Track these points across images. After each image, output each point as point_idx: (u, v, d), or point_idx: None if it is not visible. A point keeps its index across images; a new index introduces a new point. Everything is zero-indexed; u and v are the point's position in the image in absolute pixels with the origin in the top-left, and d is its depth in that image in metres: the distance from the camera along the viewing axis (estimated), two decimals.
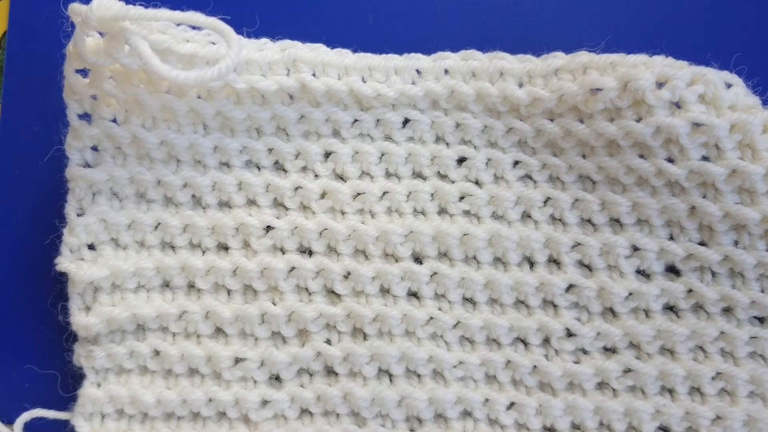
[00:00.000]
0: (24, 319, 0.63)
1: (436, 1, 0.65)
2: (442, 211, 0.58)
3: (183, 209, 0.58)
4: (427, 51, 0.58)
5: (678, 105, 0.52)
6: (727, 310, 0.55)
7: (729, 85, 0.52)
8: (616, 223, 0.56)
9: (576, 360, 0.57)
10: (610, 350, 0.57)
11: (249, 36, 0.58)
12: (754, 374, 0.54)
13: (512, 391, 0.57)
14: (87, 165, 0.57)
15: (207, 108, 0.55)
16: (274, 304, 0.58)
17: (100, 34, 0.52)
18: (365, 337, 0.57)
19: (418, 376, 0.57)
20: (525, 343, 0.57)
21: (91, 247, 0.58)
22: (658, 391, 0.55)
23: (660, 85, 0.51)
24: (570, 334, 0.57)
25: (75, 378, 0.60)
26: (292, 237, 0.58)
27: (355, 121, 0.58)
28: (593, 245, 0.56)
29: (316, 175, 0.58)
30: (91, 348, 0.58)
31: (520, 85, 0.56)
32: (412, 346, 0.57)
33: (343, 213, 0.58)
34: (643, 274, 0.56)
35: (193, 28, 0.53)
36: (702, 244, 0.55)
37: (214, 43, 0.54)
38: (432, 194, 0.57)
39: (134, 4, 0.50)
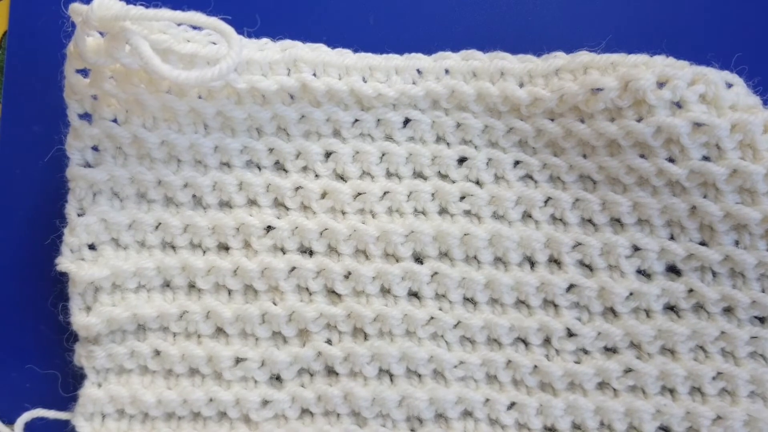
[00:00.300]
0: (24, 319, 0.63)
1: (437, 1, 0.65)
2: (442, 211, 0.58)
3: (183, 209, 0.58)
4: (428, 51, 0.58)
5: (679, 105, 0.52)
6: (728, 310, 0.55)
7: (730, 85, 0.52)
8: (616, 223, 0.56)
9: (577, 360, 0.57)
10: (610, 350, 0.57)
11: (250, 36, 0.58)
12: (754, 374, 0.54)
13: (513, 391, 0.57)
14: (87, 165, 0.57)
15: (208, 108, 0.55)
16: (274, 304, 0.58)
17: (101, 34, 0.51)
18: (366, 337, 0.57)
19: (419, 376, 0.57)
20: (526, 343, 0.57)
21: (91, 247, 0.58)
22: (658, 391, 0.55)
23: (661, 84, 0.51)
24: (571, 334, 0.57)
25: (75, 378, 0.60)
26: (292, 237, 0.58)
27: (356, 121, 0.58)
28: (594, 245, 0.56)
29: (316, 175, 0.58)
30: (91, 348, 0.58)
31: (521, 85, 0.56)
32: (412, 346, 0.57)
33: (343, 213, 0.58)
34: (643, 274, 0.56)
35: (194, 28, 0.53)
36: (703, 244, 0.55)
37: (214, 43, 0.54)
38: (433, 194, 0.57)
39: (135, 4, 0.49)
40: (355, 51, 0.57)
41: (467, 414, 0.57)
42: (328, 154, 0.58)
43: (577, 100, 0.54)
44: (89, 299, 0.57)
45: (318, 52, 0.56)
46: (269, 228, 0.58)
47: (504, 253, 0.57)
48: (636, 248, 0.56)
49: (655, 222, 0.55)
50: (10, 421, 0.60)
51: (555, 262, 0.57)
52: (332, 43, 0.58)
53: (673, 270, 0.56)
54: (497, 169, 0.57)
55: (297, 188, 0.58)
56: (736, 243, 0.54)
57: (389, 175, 0.58)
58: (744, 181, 0.52)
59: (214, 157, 0.57)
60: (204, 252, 0.59)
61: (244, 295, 0.58)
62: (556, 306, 0.57)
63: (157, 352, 0.58)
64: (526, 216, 0.57)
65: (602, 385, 0.57)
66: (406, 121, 0.58)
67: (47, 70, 0.61)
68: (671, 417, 0.55)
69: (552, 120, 0.56)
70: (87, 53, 0.51)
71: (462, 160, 0.58)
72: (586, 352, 0.57)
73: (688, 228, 0.55)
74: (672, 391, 0.56)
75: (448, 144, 0.58)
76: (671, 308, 0.56)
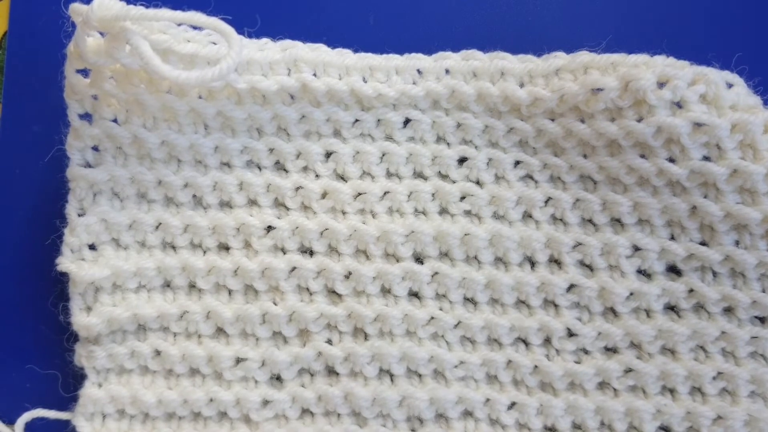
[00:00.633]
0: (25, 319, 0.63)
1: (437, 1, 0.65)
2: (443, 211, 0.58)
3: (184, 209, 0.58)
4: (428, 51, 0.58)
5: (679, 105, 0.52)
6: (728, 310, 0.55)
7: (730, 85, 0.52)
8: (617, 223, 0.56)
9: (577, 360, 0.57)
10: (611, 350, 0.57)
11: (250, 36, 0.58)
12: (755, 374, 0.54)
13: (513, 391, 0.57)
14: (88, 165, 0.57)
15: (208, 108, 0.55)
16: (275, 304, 0.58)
17: (101, 34, 0.51)
18: (366, 337, 0.57)
19: (419, 376, 0.57)
20: (526, 343, 0.57)
21: (92, 247, 0.58)
22: (659, 390, 0.55)
23: (661, 84, 0.51)
24: (571, 334, 0.57)
25: (76, 378, 0.60)
26: (293, 237, 0.58)
27: (356, 121, 0.58)
28: (594, 245, 0.56)
29: (317, 175, 0.58)
30: (92, 348, 0.58)
31: (521, 85, 0.56)
32: (413, 346, 0.57)
33: (344, 213, 0.58)
34: (644, 274, 0.56)
35: (194, 28, 0.53)
36: (703, 244, 0.55)
37: (215, 43, 0.53)
38: (433, 194, 0.57)
39: (135, 4, 0.49)
40: (355, 51, 0.57)
41: (467, 414, 0.57)
42: (328, 154, 0.58)
43: (578, 100, 0.54)
44: (89, 299, 0.57)
45: (318, 52, 0.56)
46: (269, 228, 0.58)
47: (504, 253, 0.57)
48: (636, 248, 0.56)
49: (655, 222, 0.55)
50: (10, 421, 0.60)
51: (555, 262, 0.57)
52: (332, 43, 0.58)
53: (673, 270, 0.56)
54: (497, 169, 0.57)
55: (297, 188, 0.58)
56: (737, 243, 0.54)
57: (389, 175, 0.58)
58: (744, 181, 0.52)
59: (214, 157, 0.57)
60: (204, 252, 0.59)
61: (244, 295, 0.58)
62: (556, 306, 0.57)
63: (158, 352, 0.58)
64: (527, 216, 0.57)
65: (602, 385, 0.57)
66: (407, 121, 0.58)
67: (47, 70, 0.61)
68: (671, 417, 0.55)
69: (552, 120, 0.56)
70: (87, 53, 0.51)
71: (462, 160, 0.58)
72: (586, 352, 0.57)
73: (688, 228, 0.55)
74: (672, 391, 0.56)
75: (448, 144, 0.58)
76: (672, 308, 0.56)
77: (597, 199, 0.56)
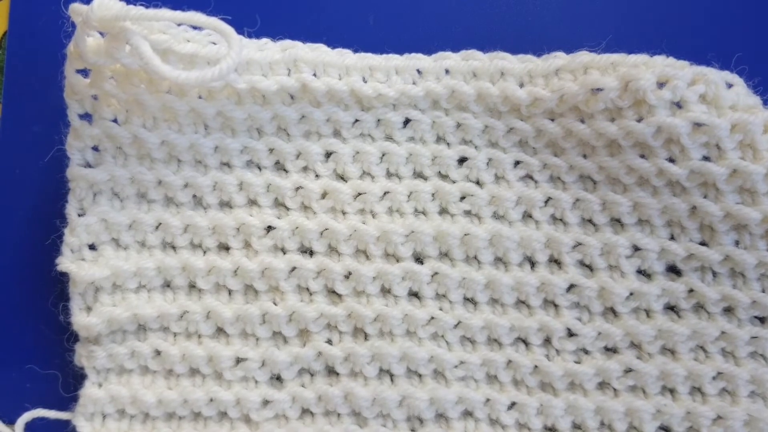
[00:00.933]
0: (25, 319, 0.63)
1: (437, 1, 0.65)
2: (443, 211, 0.58)
3: (184, 209, 0.58)
4: (428, 51, 0.58)
5: (679, 105, 0.52)
6: (728, 310, 0.55)
7: (730, 85, 0.52)
8: (617, 223, 0.56)
9: (577, 360, 0.57)
10: (611, 350, 0.57)
11: (250, 36, 0.58)
12: (755, 374, 0.54)
13: (513, 391, 0.57)
14: (88, 165, 0.57)
15: (208, 108, 0.55)
16: (275, 304, 0.58)
17: (101, 34, 0.51)
18: (366, 337, 0.57)
19: (419, 376, 0.57)
20: (526, 343, 0.57)
21: (92, 247, 0.58)
22: (659, 390, 0.56)
23: (661, 85, 0.51)
24: (571, 334, 0.57)
25: (76, 378, 0.60)
26: (293, 237, 0.58)
27: (356, 121, 0.58)
28: (594, 245, 0.56)
29: (316, 175, 0.58)
30: (92, 348, 0.58)
31: (521, 85, 0.56)
32: (413, 346, 0.57)
33: (344, 213, 0.58)
34: (644, 274, 0.56)
35: (194, 28, 0.53)
36: (703, 244, 0.55)
37: (214, 43, 0.54)
38: (433, 194, 0.57)
39: (135, 4, 0.49)
40: (355, 51, 0.57)
41: (468, 414, 0.57)
42: (328, 154, 0.58)
43: (577, 100, 0.54)
44: (89, 299, 0.57)
45: (318, 52, 0.56)
46: (269, 228, 0.58)
47: (504, 253, 0.57)
48: (636, 248, 0.56)
49: (655, 222, 0.55)
50: (10, 421, 0.60)
51: (555, 262, 0.57)
52: (332, 43, 0.58)
53: (673, 270, 0.56)
54: (497, 169, 0.57)
55: (297, 188, 0.58)
56: (737, 243, 0.54)
57: (389, 175, 0.58)
58: (744, 181, 0.52)
59: (214, 157, 0.57)
60: (204, 252, 0.59)
61: (244, 295, 0.58)
62: (556, 306, 0.57)
63: (158, 352, 0.58)
64: (527, 216, 0.57)
65: (602, 385, 0.57)
66: (407, 121, 0.58)
67: (47, 70, 0.61)
68: (671, 417, 0.55)
69: (552, 120, 0.56)
70: (87, 53, 0.51)
71: (462, 160, 0.58)
72: (586, 352, 0.57)
73: (688, 228, 0.55)
74: (672, 391, 0.56)
75: (448, 144, 0.58)
76: (671, 308, 0.56)
77: (597, 199, 0.56)
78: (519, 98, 0.55)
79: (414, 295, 0.58)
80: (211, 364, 0.58)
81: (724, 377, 0.55)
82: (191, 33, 0.54)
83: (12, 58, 0.65)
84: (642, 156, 0.54)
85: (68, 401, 0.60)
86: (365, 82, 0.56)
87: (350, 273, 0.57)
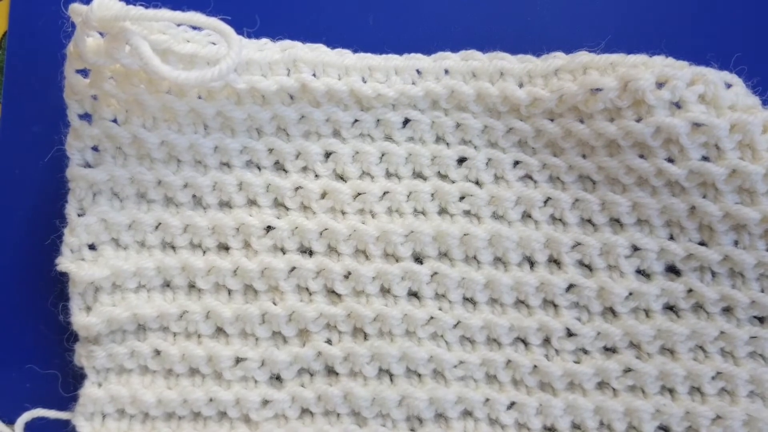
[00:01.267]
0: (24, 319, 0.63)
1: (437, 1, 0.65)
2: (442, 211, 0.58)
3: (183, 209, 0.58)
4: (428, 51, 0.58)
5: (678, 105, 0.52)
6: (727, 310, 0.55)
7: (729, 85, 0.52)
8: (616, 223, 0.56)
9: (576, 360, 0.57)
10: (610, 350, 0.57)
11: (249, 36, 0.58)
12: (754, 374, 0.54)
13: (513, 390, 0.57)
14: (87, 165, 0.57)
15: (207, 108, 0.55)
16: (274, 304, 0.58)
17: (101, 34, 0.52)
18: (366, 336, 0.57)
19: (419, 375, 0.58)
20: (525, 342, 0.57)
21: (91, 247, 0.58)
22: (658, 390, 0.56)
23: (660, 85, 0.51)
24: (570, 333, 0.57)
25: (76, 378, 0.60)
26: (292, 237, 0.58)
27: (356, 121, 0.58)
28: (593, 245, 0.56)
29: (316, 175, 0.58)
30: (91, 348, 0.58)
31: (521, 85, 0.56)
32: (412, 346, 0.57)
33: (343, 213, 0.58)
34: (643, 273, 0.56)
35: (194, 28, 0.53)
36: (702, 244, 0.55)
37: (214, 44, 0.54)
38: (432, 194, 0.57)
39: (134, 5, 0.50)
40: (355, 51, 0.57)
41: (467, 414, 0.57)
42: (327, 155, 0.58)
43: (577, 100, 0.54)
44: (89, 299, 0.57)
45: (317, 52, 0.57)
46: (269, 228, 0.58)
47: (503, 253, 0.57)
48: (635, 248, 0.56)
49: (654, 222, 0.55)
50: (10, 421, 0.61)
51: (554, 262, 0.57)
52: (332, 44, 0.58)
53: (672, 270, 0.56)
54: (497, 170, 0.58)
55: (297, 188, 0.58)
56: (736, 243, 0.54)
57: (389, 175, 0.58)
58: (743, 181, 0.52)
59: (213, 157, 0.57)
60: (204, 252, 0.59)
61: (244, 295, 0.58)
62: (555, 306, 0.57)
63: (157, 352, 0.58)
64: (526, 216, 0.57)
65: (602, 385, 0.57)
66: (406, 122, 0.58)
67: (47, 70, 0.61)
68: (671, 417, 0.55)
69: (551, 120, 0.56)
70: (87, 53, 0.51)
71: (461, 161, 0.58)
72: (585, 351, 0.57)
73: (687, 228, 0.55)
74: (671, 391, 0.56)
75: (447, 144, 0.58)
76: (671, 308, 0.56)
77: (596, 199, 0.56)
78: (518, 98, 0.55)
79: (413, 295, 0.58)
80: (210, 363, 0.58)
81: (723, 377, 0.55)
82: (191, 33, 0.54)
83: (12, 58, 0.65)
84: (641, 156, 0.54)
85: (68, 401, 0.60)
86: (365, 82, 0.56)
87: (350, 273, 0.57)
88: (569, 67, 0.55)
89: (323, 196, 0.58)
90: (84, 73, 0.54)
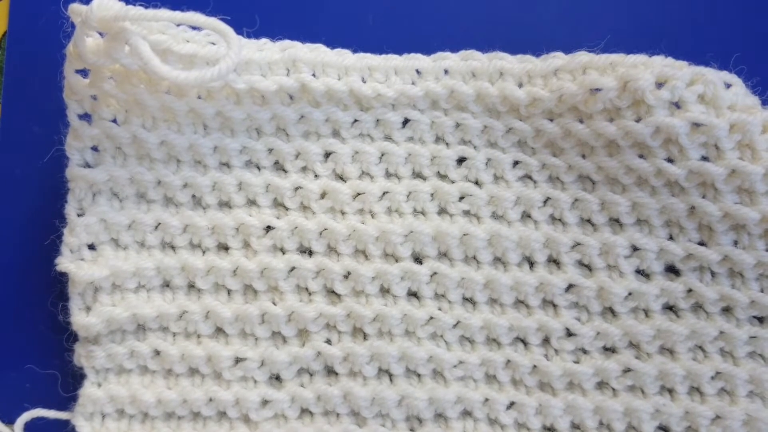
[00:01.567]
0: (24, 319, 0.63)
1: (437, 1, 0.65)
2: (442, 211, 0.58)
3: (183, 209, 0.58)
4: (427, 51, 0.58)
5: (677, 105, 0.52)
6: (727, 310, 0.55)
7: (728, 85, 0.52)
8: (615, 223, 0.56)
9: (576, 360, 0.57)
10: (609, 350, 0.57)
11: (249, 36, 0.58)
12: (753, 374, 0.54)
13: (512, 390, 0.57)
14: (87, 165, 0.57)
15: (207, 108, 0.55)
16: (274, 304, 0.58)
17: (100, 34, 0.52)
18: (365, 336, 0.57)
19: (418, 375, 0.58)
20: (525, 342, 0.57)
21: (91, 247, 0.58)
22: (657, 390, 0.56)
23: (659, 85, 0.51)
24: (570, 333, 0.57)
25: (75, 378, 0.60)
26: (292, 237, 0.58)
27: (355, 121, 0.58)
28: (593, 245, 0.56)
29: (316, 175, 0.58)
30: (91, 348, 0.58)
31: (520, 86, 0.56)
32: (412, 346, 0.57)
33: (343, 213, 0.58)
34: (642, 273, 0.56)
35: (193, 28, 0.53)
36: (701, 244, 0.55)
37: (214, 44, 0.54)
38: (432, 194, 0.57)
39: (134, 5, 0.50)
40: (354, 51, 0.57)
41: (466, 414, 0.57)
42: (327, 155, 0.58)
43: (576, 100, 0.54)
44: (89, 299, 0.57)
45: (317, 52, 0.57)
46: (269, 228, 0.58)
47: (503, 253, 0.57)
48: (635, 248, 0.56)
49: (653, 222, 0.55)
50: (10, 421, 0.61)
51: (554, 262, 0.57)
52: (331, 44, 0.58)
53: (672, 270, 0.56)
54: (496, 170, 0.58)
55: (296, 188, 0.58)
56: (735, 243, 0.54)
57: (388, 175, 0.58)
58: (742, 181, 0.52)
59: (213, 157, 0.57)
60: (203, 252, 0.59)
61: (243, 295, 0.59)
62: (555, 306, 0.57)
63: (157, 352, 0.58)
64: (525, 216, 0.57)
65: (601, 385, 0.57)
66: (406, 122, 0.58)
67: (47, 70, 0.61)
68: (670, 417, 0.55)
69: (551, 120, 0.56)
70: (87, 53, 0.51)
71: (461, 160, 0.58)
72: (585, 351, 0.57)
73: (686, 228, 0.55)
74: (671, 391, 0.56)
75: (447, 144, 0.58)
76: (670, 308, 0.56)
77: (595, 199, 0.56)
78: (518, 98, 0.55)
79: (413, 295, 0.58)
80: (210, 363, 0.58)
81: (722, 377, 0.55)
82: (190, 33, 0.54)
83: (12, 58, 0.65)
84: (641, 156, 0.54)
85: (68, 401, 0.60)
86: (364, 82, 0.56)
87: (349, 273, 0.57)
88: (569, 67, 0.55)
89: (323, 196, 0.58)
90: (84, 73, 0.54)
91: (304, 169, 0.58)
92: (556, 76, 0.55)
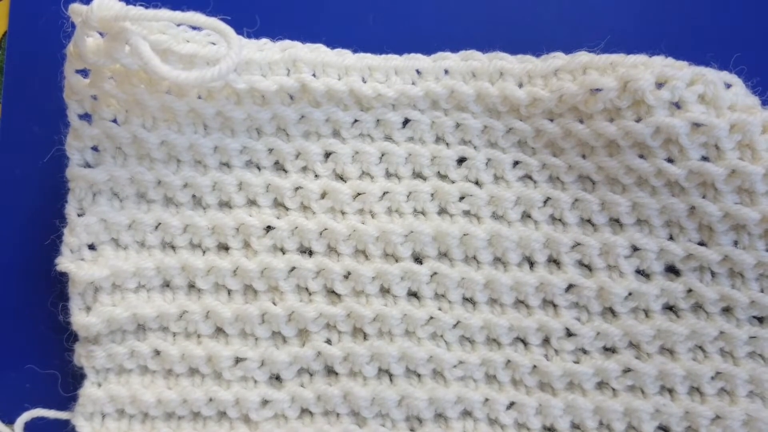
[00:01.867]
0: (24, 319, 0.63)
1: (436, 1, 0.65)
2: (442, 211, 0.58)
3: (183, 209, 0.58)
4: (427, 51, 0.58)
5: (677, 105, 0.52)
6: (727, 310, 0.55)
7: (728, 86, 0.52)
8: (615, 223, 0.56)
9: (576, 360, 0.57)
10: (609, 350, 0.57)
11: (249, 36, 0.58)
12: (753, 374, 0.54)
13: (512, 390, 0.57)
14: (87, 165, 0.57)
15: (207, 108, 0.55)
16: (274, 304, 0.58)
17: (101, 34, 0.52)
18: (365, 336, 0.57)
19: (418, 375, 0.58)
20: (525, 342, 0.57)
21: (91, 247, 0.58)
22: (657, 390, 0.56)
23: (660, 85, 0.51)
24: (570, 333, 0.57)
25: (75, 378, 0.60)
26: (292, 237, 0.58)
27: (355, 121, 0.58)
28: (593, 245, 0.56)
29: (316, 175, 0.58)
30: (91, 348, 0.58)
31: (520, 86, 0.56)
32: (412, 346, 0.57)
33: (343, 213, 0.58)
34: (642, 274, 0.56)
35: (194, 28, 0.53)
36: (701, 244, 0.55)
37: (214, 44, 0.54)
38: (432, 194, 0.57)
39: (134, 5, 0.50)
40: (355, 51, 0.57)
41: (466, 414, 0.57)
42: (327, 155, 0.58)
43: (576, 100, 0.54)
44: (89, 299, 0.57)
45: (317, 52, 0.57)
46: (269, 228, 0.58)
47: (503, 253, 0.57)
48: (635, 248, 0.56)
49: (654, 222, 0.55)
50: (10, 421, 0.61)
51: (554, 262, 0.57)
52: (332, 44, 0.58)
53: (672, 270, 0.56)
54: (496, 170, 0.58)
55: (297, 188, 0.58)
56: (735, 243, 0.54)
57: (389, 175, 0.58)
58: (743, 181, 0.52)
59: (213, 157, 0.57)
60: (204, 252, 0.59)
61: (243, 295, 0.59)
62: (555, 306, 0.57)
63: (157, 352, 0.58)
64: (526, 216, 0.57)
65: (601, 385, 0.57)
66: (406, 122, 0.58)
67: (47, 70, 0.61)
68: (670, 417, 0.55)
69: (551, 120, 0.56)
70: (87, 53, 0.51)
71: (461, 161, 0.58)
72: (585, 351, 0.57)
73: (687, 228, 0.55)
74: (671, 391, 0.56)
75: (447, 144, 0.58)
76: (670, 308, 0.56)
77: (596, 199, 0.56)
78: (518, 98, 0.55)
79: (413, 295, 0.58)
80: (210, 363, 0.58)
81: (722, 377, 0.55)
82: (191, 33, 0.54)
83: (12, 58, 0.65)
84: (641, 156, 0.54)
85: (68, 401, 0.60)
86: (364, 82, 0.56)
87: (349, 273, 0.57)
88: (569, 68, 0.55)
89: (323, 196, 0.58)
90: (84, 73, 0.54)
91: (304, 169, 0.58)
92: (557, 76, 0.55)
